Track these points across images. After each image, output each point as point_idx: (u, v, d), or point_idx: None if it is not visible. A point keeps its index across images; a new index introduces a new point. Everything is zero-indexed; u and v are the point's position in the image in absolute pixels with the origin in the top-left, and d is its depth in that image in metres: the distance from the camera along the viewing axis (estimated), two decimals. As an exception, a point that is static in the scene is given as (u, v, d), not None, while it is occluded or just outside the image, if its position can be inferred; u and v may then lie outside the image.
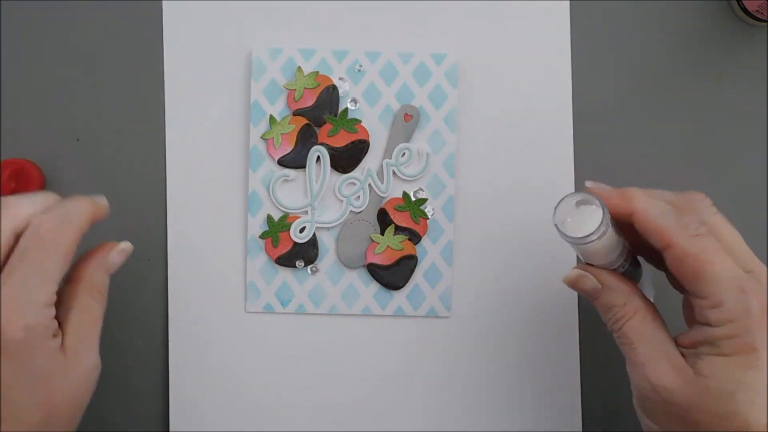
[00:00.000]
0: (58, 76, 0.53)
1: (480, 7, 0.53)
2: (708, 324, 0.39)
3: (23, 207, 0.41)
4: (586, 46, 0.54)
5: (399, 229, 0.52)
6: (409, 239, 0.52)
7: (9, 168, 0.51)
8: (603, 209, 0.40)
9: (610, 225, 0.40)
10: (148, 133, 0.53)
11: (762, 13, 0.51)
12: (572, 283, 0.43)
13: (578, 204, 0.41)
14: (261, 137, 0.52)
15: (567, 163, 0.53)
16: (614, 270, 0.43)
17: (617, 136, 0.54)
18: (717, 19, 0.54)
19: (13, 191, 0.51)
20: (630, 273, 0.44)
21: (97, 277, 0.44)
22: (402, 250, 0.52)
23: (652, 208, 0.40)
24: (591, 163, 0.53)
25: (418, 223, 0.52)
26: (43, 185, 0.53)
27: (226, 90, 0.53)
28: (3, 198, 0.41)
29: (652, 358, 0.40)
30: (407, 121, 0.53)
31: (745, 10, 0.52)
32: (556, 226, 0.41)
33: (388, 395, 0.52)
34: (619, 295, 0.42)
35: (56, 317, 0.41)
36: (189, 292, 0.52)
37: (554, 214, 0.41)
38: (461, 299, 0.53)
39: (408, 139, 0.53)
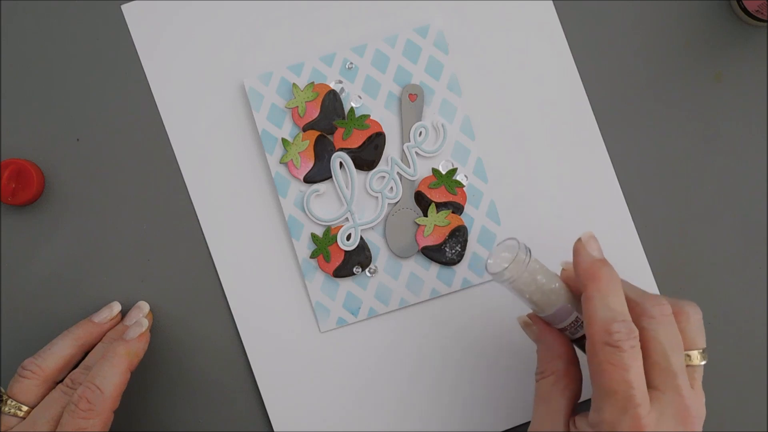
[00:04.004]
0: (58, 76, 0.53)
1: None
2: (588, 419, 0.41)
3: None
4: (585, 47, 0.54)
5: (440, 206, 0.52)
6: (453, 212, 0.52)
7: (9, 168, 0.51)
8: (520, 255, 0.43)
9: (530, 275, 0.43)
10: (148, 133, 0.53)
11: (762, 13, 0.51)
12: (522, 326, 0.47)
13: (508, 248, 0.44)
14: (280, 162, 0.52)
15: (578, 90, 0.53)
16: (562, 330, 0.45)
17: (617, 135, 0.53)
18: (717, 19, 0.53)
19: (13, 191, 0.51)
20: (582, 342, 0.44)
21: None
22: (449, 224, 0.52)
23: (596, 308, 0.41)
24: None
25: (455, 194, 0.52)
26: (43, 185, 0.53)
27: (230, 127, 0.53)
28: None
29: (541, 419, 0.43)
30: (413, 100, 0.53)
31: (745, 10, 0.52)
32: (486, 265, 0.44)
33: (484, 361, 0.53)
34: (546, 352, 0.44)
35: None
36: (260, 331, 0.52)
37: (489, 255, 0.45)
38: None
39: (420, 117, 0.53)
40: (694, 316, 0.44)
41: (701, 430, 0.42)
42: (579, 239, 0.43)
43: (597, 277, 0.42)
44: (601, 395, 0.40)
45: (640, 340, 0.41)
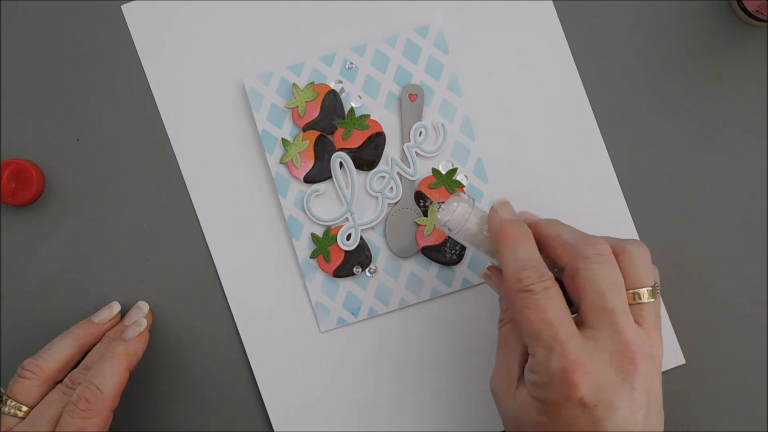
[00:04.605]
0: (58, 76, 0.53)
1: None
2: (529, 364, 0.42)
3: None
4: (585, 47, 0.53)
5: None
6: (453, 212, 0.52)
7: (9, 168, 0.52)
8: (462, 204, 0.44)
9: (477, 225, 0.45)
10: (148, 133, 0.53)
11: (762, 13, 0.51)
12: (484, 278, 0.48)
13: (454, 201, 0.45)
14: (280, 162, 0.52)
15: (578, 90, 0.53)
16: None
17: (617, 135, 0.53)
18: (717, 19, 0.53)
19: (13, 191, 0.52)
20: None
21: None
22: (449, 224, 0.52)
23: (507, 261, 0.42)
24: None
25: (456, 194, 0.52)
26: (43, 185, 0.53)
27: (230, 127, 0.53)
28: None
29: (501, 365, 0.44)
30: (413, 100, 0.53)
31: (745, 10, 0.52)
32: (438, 217, 0.46)
33: (484, 360, 0.53)
34: (504, 302, 0.46)
35: None
36: (260, 331, 0.52)
37: (442, 207, 0.46)
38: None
39: (420, 118, 0.53)
40: (638, 253, 0.43)
41: (652, 367, 0.41)
42: (492, 206, 0.45)
43: (505, 233, 0.43)
44: (530, 341, 0.41)
45: (577, 283, 0.41)
